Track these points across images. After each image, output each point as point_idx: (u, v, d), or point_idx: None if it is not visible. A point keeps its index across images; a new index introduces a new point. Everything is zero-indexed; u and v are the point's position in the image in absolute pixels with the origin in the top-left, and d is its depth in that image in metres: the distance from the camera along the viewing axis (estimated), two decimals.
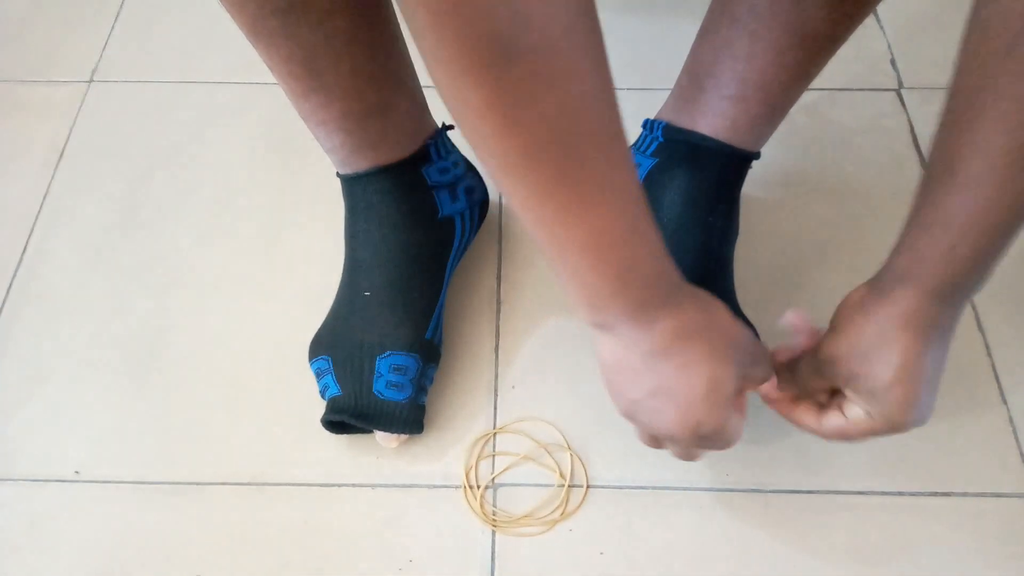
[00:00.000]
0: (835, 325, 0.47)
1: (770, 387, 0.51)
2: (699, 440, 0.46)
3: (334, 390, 0.60)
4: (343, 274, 0.63)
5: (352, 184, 0.61)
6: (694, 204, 0.61)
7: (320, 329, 0.64)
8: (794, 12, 0.50)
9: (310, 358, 0.63)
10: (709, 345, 0.44)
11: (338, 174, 0.62)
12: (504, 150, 0.35)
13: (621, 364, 0.45)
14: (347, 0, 0.50)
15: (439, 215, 0.63)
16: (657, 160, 0.62)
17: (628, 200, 0.39)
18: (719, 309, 0.45)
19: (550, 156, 0.35)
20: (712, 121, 0.59)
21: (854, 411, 0.47)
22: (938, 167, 0.41)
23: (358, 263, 0.62)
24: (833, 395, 0.50)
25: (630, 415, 0.47)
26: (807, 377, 0.49)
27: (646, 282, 0.41)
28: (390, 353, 0.59)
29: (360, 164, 0.60)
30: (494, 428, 0.63)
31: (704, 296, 0.45)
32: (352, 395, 0.59)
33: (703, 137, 0.60)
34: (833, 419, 0.49)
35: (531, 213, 0.38)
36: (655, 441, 0.51)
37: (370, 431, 0.59)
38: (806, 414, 0.51)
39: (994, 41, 0.36)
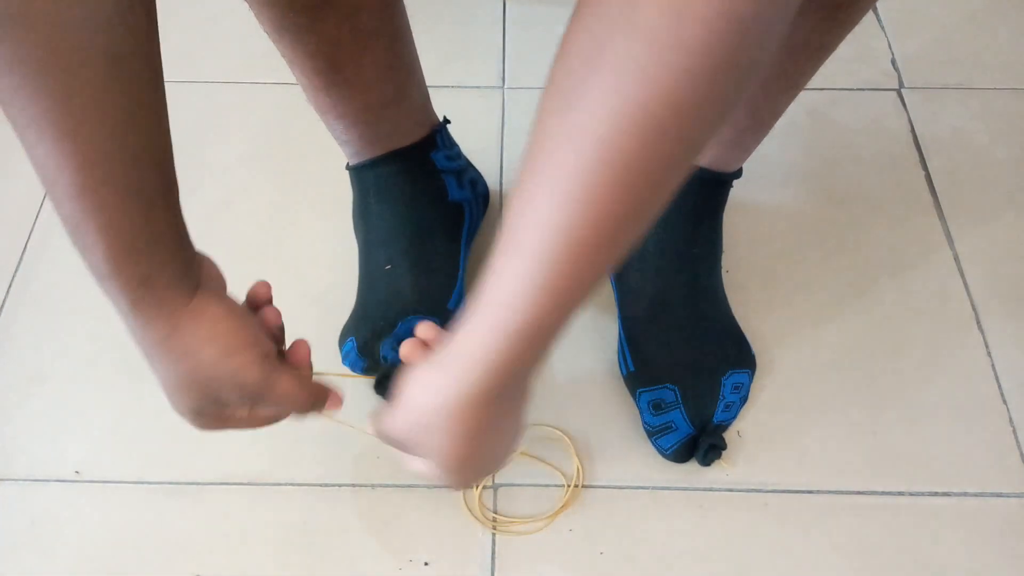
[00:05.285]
0: (400, 399, 0.41)
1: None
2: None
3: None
4: (360, 260, 0.64)
5: (364, 171, 0.62)
6: (677, 238, 0.62)
7: (351, 315, 0.64)
8: None
9: (341, 342, 0.63)
10: (159, 362, 0.41)
11: (347, 166, 0.63)
12: None
13: None
14: None
15: (448, 197, 0.64)
16: None
17: (81, 145, 0.34)
18: (196, 330, 0.40)
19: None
20: None
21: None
22: (507, 233, 0.35)
23: (372, 243, 0.63)
24: None
25: None
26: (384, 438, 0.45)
27: (95, 254, 0.37)
28: (411, 318, 0.59)
29: (374, 153, 0.61)
30: None
31: (186, 309, 0.40)
32: (375, 362, 0.60)
33: None
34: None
35: (7, 114, 0.34)
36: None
37: None
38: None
39: (556, 99, 0.30)
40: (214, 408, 0.43)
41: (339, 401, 0.48)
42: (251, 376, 0.42)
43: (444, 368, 0.39)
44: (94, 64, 0.33)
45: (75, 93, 0.33)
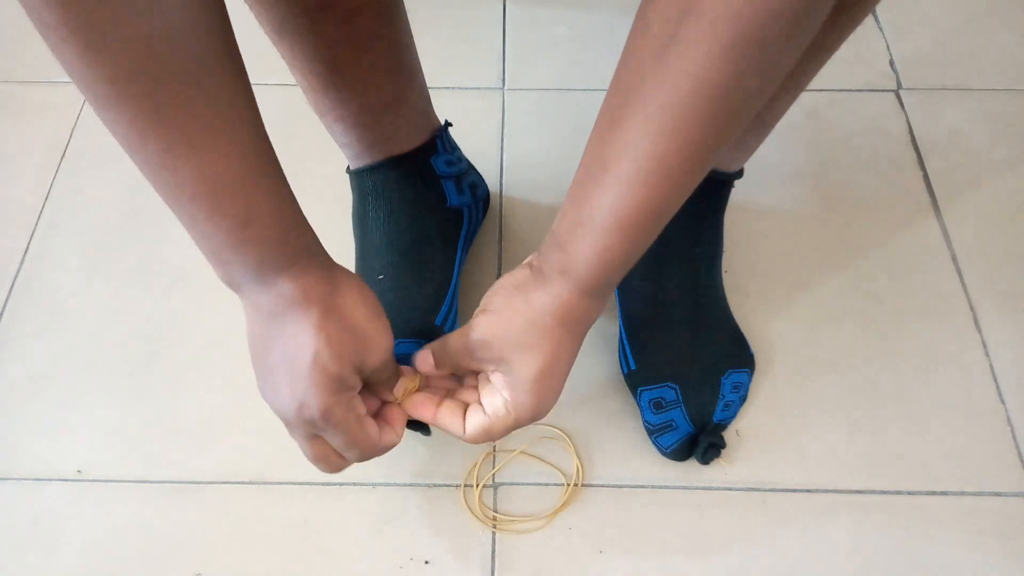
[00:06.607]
0: (491, 307, 0.45)
1: (425, 364, 0.48)
2: (309, 426, 0.43)
3: None
4: (356, 266, 0.64)
5: (364, 176, 0.62)
6: (678, 237, 0.62)
7: None
8: None
9: None
10: (322, 318, 0.41)
11: (348, 169, 0.63)
12: (90, 77, 0.33)
13: (252, 332, 0.43)
14: None
15: (447, 203, 0.64)
16: None
17: (242, 147, 0.37)
18: (351, 290, 0.44)
19: (141, 89, 0.33)
20: None
21: (495, 403, 0.46)
22: (592, 162, 0.40)
23: (368, 250, 0.63)
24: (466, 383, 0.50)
25: (265, 398, 0.44)
26: (458, 355, 0.47)
27: (267, 238, 0.40)
28: (399, 342, 0.59)
29: (373, 157, 0.61)
30: None
31: (340, 273, 0.44)
32: None
33: None
34: (475, 418, 0.47)
35: (137, 154, 0.36)
36: (310, 444, 0.46)
37: None
38: (450, 417, 0.48)
39: (651, 42, 0.34)
40: (352, 377, 0.43)
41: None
42: (388, 342, 0.45)
43: (544, 282, 0.43)
44: (223, 63, 0.36)
45: (219, 95, 0.36)
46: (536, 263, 0.45)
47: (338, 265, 0.45)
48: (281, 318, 0.42)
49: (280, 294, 0.41)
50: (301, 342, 0.41)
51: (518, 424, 0.46)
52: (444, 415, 0.48)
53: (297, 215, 0.42)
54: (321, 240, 0.45)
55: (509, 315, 0.44)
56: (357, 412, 0.45)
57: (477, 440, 0.47)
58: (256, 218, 0.39)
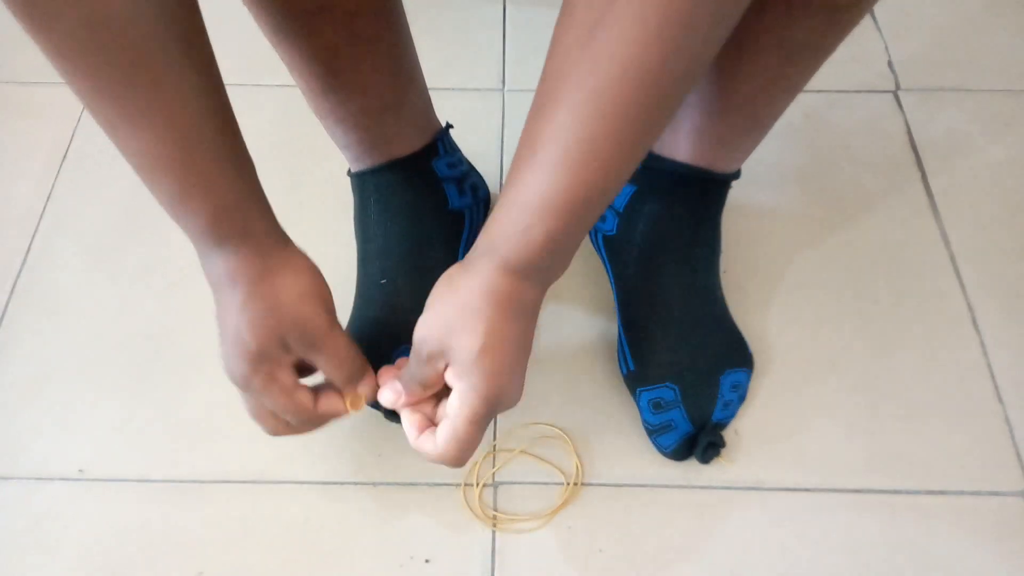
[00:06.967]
0: (427, 305, 0.46)
1: (390, 396, 0.49)
2: (242, 388, 0.47)
3: None
4: (358, 270, 0.64)
5: (365, 179, 0.62)
6: (675, 238, 0.62)
7: (347, 327, 0.64)
8: (785, 24, 0.49)
9: None
10: (245, 297, 0.44)
11: (349, 172, 0.63)
12: (44, 51, 0.36)
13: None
14: (371, 1, 0.51)
15: (448, 206, 0.64)
16: (636, 188, 0.63)
17: (182, 129, 0.39)
18: (287, 272, 0.46)
19: (86, 67, 0.36)
20: (696, 140, 0.59)
21: (452, 403, 0.45)
22: (523, 147, 0.40)
23: (370, 254, 0.63)
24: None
25: None
26: (413, 369, 0.47)
27: (200, 215, 0.42)
28: (405, 347, 0.59)
29: (374, 160, 0.61)
30: (494, 426, 0.63)
31: (281, 255, 0.46)
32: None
33: (681, 165, 0.60)
34: (441, 428, 0.46)
35: (95, 119, 0.39)
36: (250, 403, 0.50)
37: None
38: (426, 441, 0.47)
39: (577, 28, 0.35)
40: (276, 353, 0.46)
41: (372, 390, 0.51)
42: (316, 322, 0.47)
43: (469, 267, 0.44)
44: (169, 49, 0.37)
45: (161, 79, 0.37)
46: (466, 256, 0.45)
47: (286, 248, 0.47)
48: (218, 289, 0.46)
49: (214, 267, 0.45)
50: (228, 315, 0.45)
51: (476, 415, 0.44)
52: (422, 441, 0.47)
53: (238, 198, 0.43)
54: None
55: (440, 306, 0.45)
56: (281, 382, 0.47)
57: (451, 451, 0.45)
58: (190, 197, 0.42)
